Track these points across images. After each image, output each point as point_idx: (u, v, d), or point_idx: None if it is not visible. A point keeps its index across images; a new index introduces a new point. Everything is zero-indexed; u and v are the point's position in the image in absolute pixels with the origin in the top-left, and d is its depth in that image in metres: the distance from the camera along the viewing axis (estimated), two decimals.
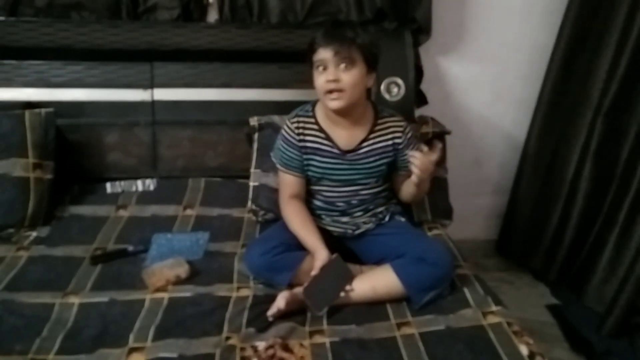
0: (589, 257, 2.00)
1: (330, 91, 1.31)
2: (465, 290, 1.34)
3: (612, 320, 1.78)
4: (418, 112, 1.97)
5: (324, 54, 1.30)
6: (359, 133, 1.42)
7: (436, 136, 1.77)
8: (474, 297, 1.31)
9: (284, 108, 1.76)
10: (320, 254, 1.30)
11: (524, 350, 1.13)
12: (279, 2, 1.83)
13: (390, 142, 1.43)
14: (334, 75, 1.30)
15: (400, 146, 1.44)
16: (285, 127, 1.46)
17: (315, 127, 1.43)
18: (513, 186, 2.28)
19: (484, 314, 1.25)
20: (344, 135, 1.42)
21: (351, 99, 1.33)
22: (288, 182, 1.47)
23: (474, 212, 2.33)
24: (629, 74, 1.81)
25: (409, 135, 1.45)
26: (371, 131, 1.43)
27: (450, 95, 2.13)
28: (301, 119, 1.44)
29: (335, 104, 1.33)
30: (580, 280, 2.02)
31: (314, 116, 1.44)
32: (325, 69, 1.32)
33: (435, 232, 1.65)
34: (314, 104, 1.47)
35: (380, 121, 1.44)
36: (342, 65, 1.30)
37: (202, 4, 1.84)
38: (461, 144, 2.08)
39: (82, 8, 1.78)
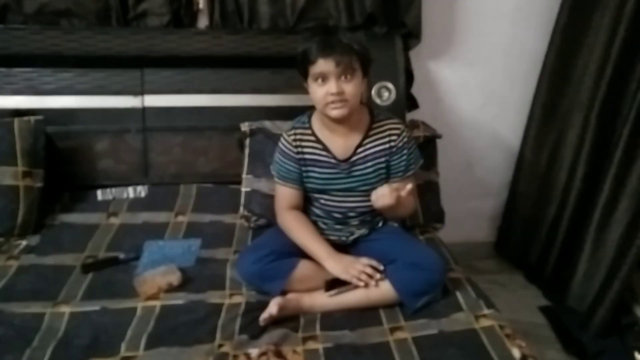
0: (572, 257, 2.01)
1: (332, 101, 1.30)
2: (458, 294, 1.34)
3: (597, 319, 1.79)
4: (409, 116, 1.98)
5: (325, 66, 1.26)
6: (354, 139, 1.41)
7: (427, 140, 1.78)
8: (466, 301, 1.31)
9: (275, 113, 1.77)
10: (338, 260, 1.31)
11: (516, 353, 1.13)
12: (269, 8, 1.83)
13: (387, 146, 1.41)
14: (338, 88, 1.27)
15: (394, 149, 1.41)
16: (283, 140, 1.44)
17: (312, 138, 1.42)
18: (511, 187, 2.31)
19: (477, 318, 1.25)
20: (341, 144, 1.41)
21: (353, 107, 1.32)
22: (286, 195, 1.46)
23: (466, 215, 2.34)
24: (616, 76, 1.82)
25: (405, 139, 1.42)
26: (366, 136, 1.41)
27: (441, 98, 2.14)
28: (298, 131, 1.43)
29: (337, 112, 1.31)
30: (565, 281, 2.03)
31: (310, 127, 1.43)
32: (324, 80, 1.29)
33: (427, 235, 1.66)
34: (309, 115, 1.45)
35: (375, 125, 1.42)
36: (344, 76, 1.28)
37: (192, 10, 1.83)
38: (452, 147, 2.09)
39: (72, 15, 1.77)
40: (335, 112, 1.31)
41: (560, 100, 2.04)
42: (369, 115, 1.44)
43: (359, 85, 1.32)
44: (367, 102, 1.50)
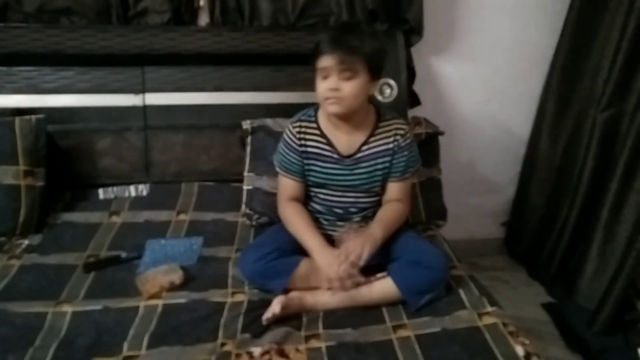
0: (581, 254, 2.00)
1: (329, 97, 1.31)
2: (461, 292, 1.34)
3: (603, 316, 1.79)
4: (411, 113, 1.97)
5: (327, 61, 1.28)
6: (359, 137, 1.41)
7: (429, 136, 1.77)
8: (469, 298, 1.31)
9: (277, 111, 1.77)
10: (325, 255, 1.28)
11: (519, 350, 1.13)
12: (270, 5, 1.83)
13: (391, 145, 1.41)
14: (335, 84, 1.29)
15: (397, 148, 1.41)
16: (287, 132, 1.44)
17: (317, 132, 1.42)
18: (520, 183, 2.31)
19: (480, 315, 1.25)
20: (345, 140, 1.41)
21: (350, 106, 1.32)
22: (287, 186, 1.46)
23: (469, 212, 2.33)
24: (625, 70, 1.81)
25: (409, 140, 1.43)
26: (371, 134, 1.41)
27: (443, 95, 2.14)
28: (303, 123, 1.43)
29: (333, 108, 1.32)
30: (572, 278, 2.03)
31: (316, 121, 1.43)
32: (327, 75, 1.30)
33: (429, 233, 1.66)
34: (316, 108, 1.45)
35: (381, 124, 1.42)
36: (344, 75, 1.29)
37: (192, 7, 1.82)
38: (454, 144, 2.09)
39: (72, 13, 1.77)
40: (330, 108, 1.33)
41: (573, 94, 2.03)
42: (376, 114, 1.43)
43: (360, 87, 1.31)
44: (374, 101, 1.49)
